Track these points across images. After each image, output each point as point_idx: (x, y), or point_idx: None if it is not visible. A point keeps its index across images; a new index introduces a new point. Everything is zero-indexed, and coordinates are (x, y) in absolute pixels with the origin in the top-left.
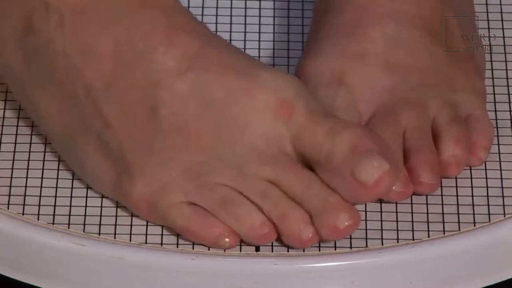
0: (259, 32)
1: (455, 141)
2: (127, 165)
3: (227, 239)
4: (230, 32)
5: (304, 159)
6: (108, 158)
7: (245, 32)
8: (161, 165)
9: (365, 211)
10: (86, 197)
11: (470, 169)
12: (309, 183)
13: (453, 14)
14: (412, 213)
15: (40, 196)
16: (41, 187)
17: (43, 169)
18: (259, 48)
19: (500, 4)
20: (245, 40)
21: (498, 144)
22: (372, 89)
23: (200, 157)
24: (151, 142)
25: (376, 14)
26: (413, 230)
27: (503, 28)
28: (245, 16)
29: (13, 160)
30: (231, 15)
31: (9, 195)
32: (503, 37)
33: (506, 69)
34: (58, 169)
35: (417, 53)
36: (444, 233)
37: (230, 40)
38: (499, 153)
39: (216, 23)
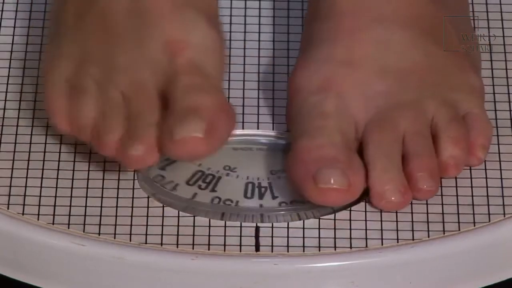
0: (259, 32)
1: (453, 142)
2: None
3: (58, 118)
4: (230, 32)
5: (162, 92)
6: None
7: (245, 32)
8: (68, 43)
9: (365, 211)
10: (86, 197)
11: (470, 169)
12: (141, 110)
13: (444, 13)
14: (412, 213)
15: (40, 196)
16: (41, 187)
17: (43, 169)
18: (259, 48)
19: (500, 4)
20: (245, 40)
21: (498, 144)
22: (365, 95)
23: (100, 50)
24: (75, 22)
25: (363, 18)
26: (413, 230)
27: (503, 28)
28: (245, 16)
29: (13, 160)
30: (231, 15)
31: (9, 195)
32: (503, 37)
33: (506, 69)
34: (58, 169)
35: (409, 54)
36: (444, 233)
37: (230, 40)
38: (499, 153)
39: None
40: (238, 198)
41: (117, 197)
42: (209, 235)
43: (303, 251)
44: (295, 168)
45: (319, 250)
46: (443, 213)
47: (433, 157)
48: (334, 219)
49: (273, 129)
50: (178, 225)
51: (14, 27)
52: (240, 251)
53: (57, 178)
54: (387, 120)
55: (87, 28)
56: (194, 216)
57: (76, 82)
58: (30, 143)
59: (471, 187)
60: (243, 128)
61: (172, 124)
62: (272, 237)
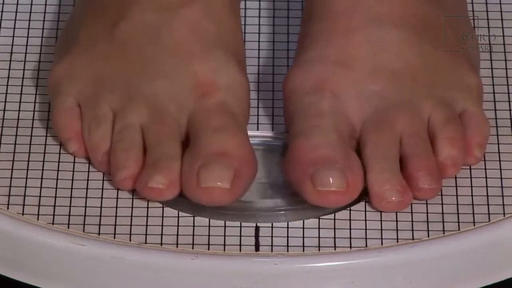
0: (259, 33)
1: (450, 142)
2: (70, 45)
3: (73, 145)
4: None
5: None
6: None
7: (244, 32)
8: (84, 61)
9: (365, 211)
10: (86, 197)
11: (470, 169)
12: (164, 141)
13: (440, 12)
14: (412, 213)
15: (39, 196)
16: (41, 187)
17: (43, 169)
18: (258, 49)
19: (500, 4)
20: (245, 40)
21: (498, 144)
22: (360, 95)
23: (117, 74)
24: (96, 39)
25: (357, 18)
26: (413, 230)
27: (503, 28)
28: (245, 16)
29: (13, 160)
30: None
31: (9, 195)
32: (503, 37)
33: (506, 69)
34: (58, 169)
35: (404, 54)
36: (444, 233)
37: None
38: (499, 152)
39: None
40: (252, 198)
41: (117, 197)
42: (209, 235)
43: (303, 251)
44: (292, 169)
45: (319, 250)
46: (443, 213)
47: (432, 157)
48: (334, 219)
49: (272, 130)
50: (178, 225)
51: (14, 27)
52: (240, 251)
53: (57, 178)
54: (384, 121)
55: (106, 52)
56: (194, 216)
57: (91, 106)
58: (30, 143)
59: (471, 187)
60: None
61: (200, 170)
62: (272, 237)
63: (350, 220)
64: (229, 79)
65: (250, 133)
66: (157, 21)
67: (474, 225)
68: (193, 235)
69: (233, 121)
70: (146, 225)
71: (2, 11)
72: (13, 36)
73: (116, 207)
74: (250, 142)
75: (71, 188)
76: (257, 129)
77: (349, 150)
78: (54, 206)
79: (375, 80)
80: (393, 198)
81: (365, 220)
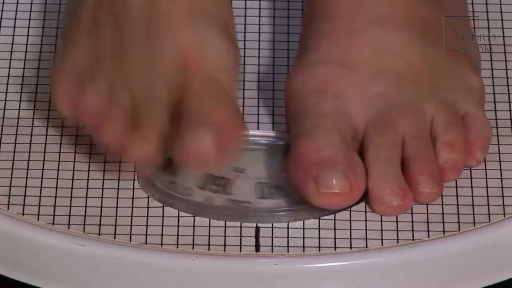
0: (259, 32)
1: (450, 146)
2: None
3: (65, 108)
4: None
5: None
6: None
7: (245, 32)
8: (82, 38)
9: (365, 211)
10: (86, 197)
11: (470, 169)
12: (157, 111)
13: (440, 12)
14: (412, 213)
15: (40, 196)
16: (41, 187)
17: (43, 169)
18: (259, 48)
19: (500, 4)
20: (245, 40)
21: (498, 144)
22: (363, 97)
23: (114, 49)
24: (92, 21)
25: (359, 20)
26: (413, 230)
27: (503, 28)
28: (245, 16)
29: (13, 160)
30: None
31: (9, 195)
32: (503, 37)
33: (506, 69)
34: (58, 169)
35: (406, 55)
36: (444, 233)
37: None
38: (499, 153)
39: None
40: (251, 199)
41: (117, 197)
42: (209, 235)
43: (303, 251)
44: (295, 170)
45: (319, 250)
46: (443, 213)
47: (433, 160)
48: (334, 219)
49: (273, 129)
50: (178, 225)
51: (14, 27)
52: (240, 251)
53: (57, 178)
54: (386, 123)
55: (102, 27)
56: (194, 216)
57: (87, 71)
58: (30, 143)
59: (471, 187)
60: None
61: (183, 135)
62: (272, 237)
63: (350, 220)
64: (214, 47)
65: (250, 132)
66: None
67: (474, 226)
68: (194, 235)
69: (218, 89)
70: (147, 225)
71: (2, 10)
72: (13, 35)
73: (116, 207)
74: (237, 106)
75: (71, 188)
76: (257, 129)
77: (352, 151)
78: (54, 206)
79: (378, 81)
80: (394, 203)
81: (366, 220)
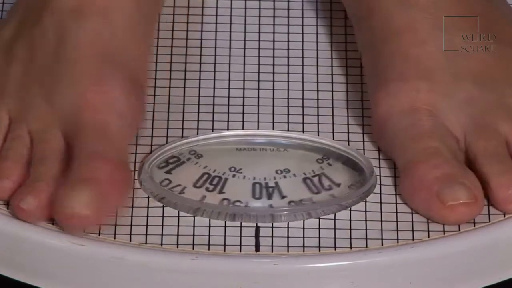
0: (259, 32)
1: None
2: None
3: None
4: (230, 32)
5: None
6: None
7: (245, 32)
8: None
9: (365, 211)
10: None
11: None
12: (50, 160)
13: (498, 12)
14: (412, 213)
15: None
16: None
17: None
18: (259, 48)
19: None
20: (245, 40)
21: None
22: (452, 107)
23: (20, 83)
24: (12, 42)
25: (421, 30)
26: (413, 230)
27: None
28: (245, 16)
29: None
30: (231, 15)
31: None
32: None
33: None
34: None
35: (477, 55)
36: (444, 233)
37: (230, 40)
38: None
39: (216, 23)
40: (247, 199)
41: None
42: (209, 235)
43: (303, 251)
44: (417, 192)
45: (319, 250)
46: None
47: None
48: (334, 219)
49: (273, 129)
50: (178, 225)
51: None
52: (240, 251)
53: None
54: (486, 126)
55: (16, 56)
56: (194, 216)
57: None
58: None
59: None
60: (243, 128)
61: (61, 194)
62: (272, 237)
63: (350, 220)
64: (117, 103)
65: (250, 132)
66: (61, 28)
67: (474, 226)
68: (193, 235)
69: (107, 142)
70: (147, 225)
71: (2, 10)
72: None
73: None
74: (125, 162)
75: None
76: (257, 128)
77: (463, 164)
78: None
79: (459, 87)
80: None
81: (365, 220)
